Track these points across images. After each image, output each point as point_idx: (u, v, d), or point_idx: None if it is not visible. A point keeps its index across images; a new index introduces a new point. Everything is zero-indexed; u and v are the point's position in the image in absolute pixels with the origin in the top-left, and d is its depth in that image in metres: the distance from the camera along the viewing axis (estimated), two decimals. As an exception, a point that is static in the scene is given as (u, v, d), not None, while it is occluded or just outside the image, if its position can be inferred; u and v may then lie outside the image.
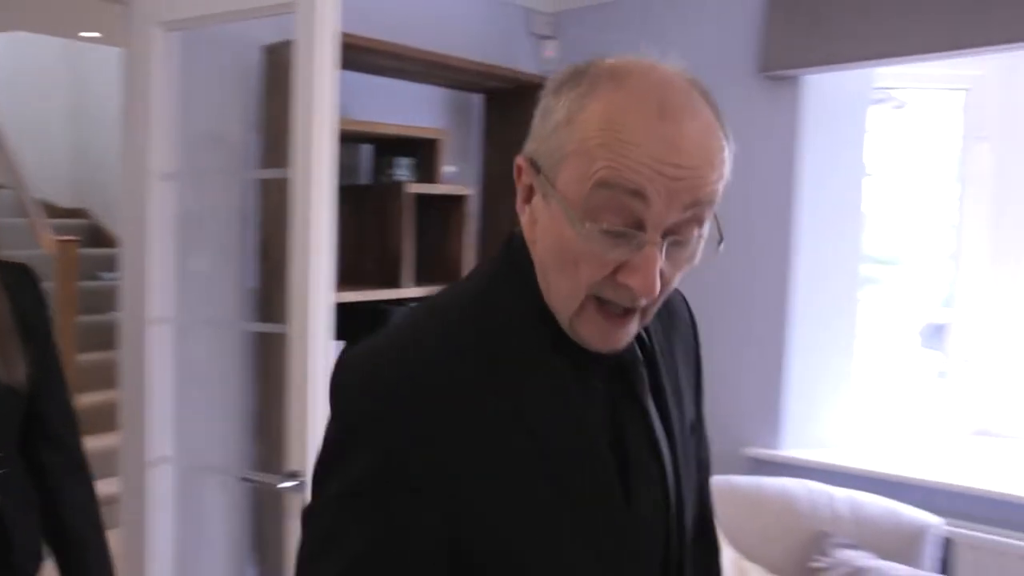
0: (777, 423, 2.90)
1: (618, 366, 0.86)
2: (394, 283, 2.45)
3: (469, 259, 2.70)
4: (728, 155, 0.81)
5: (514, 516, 0.78)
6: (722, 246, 0.83)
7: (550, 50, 3.44)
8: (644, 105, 0.77)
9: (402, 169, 2.63)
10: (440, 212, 2.70)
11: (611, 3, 3.25)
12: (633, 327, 0.82)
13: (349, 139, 2.54)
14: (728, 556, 2.29)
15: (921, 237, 3.21)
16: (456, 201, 2.68)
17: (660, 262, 0.76)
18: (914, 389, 3.17)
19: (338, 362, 0.83)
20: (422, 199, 2.57)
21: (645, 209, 0.75)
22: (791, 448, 2.87)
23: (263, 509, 2.46)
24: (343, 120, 2.09)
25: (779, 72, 2.77)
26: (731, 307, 2.97)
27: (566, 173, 0.78)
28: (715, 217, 0.82)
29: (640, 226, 0.76)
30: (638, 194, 0.75)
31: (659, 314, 0.89)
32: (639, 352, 0.89)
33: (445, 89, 3.06)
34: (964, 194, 2.99)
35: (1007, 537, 2.35)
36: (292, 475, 1.89)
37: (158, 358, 2.17)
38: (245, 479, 2.35)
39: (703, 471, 1.03)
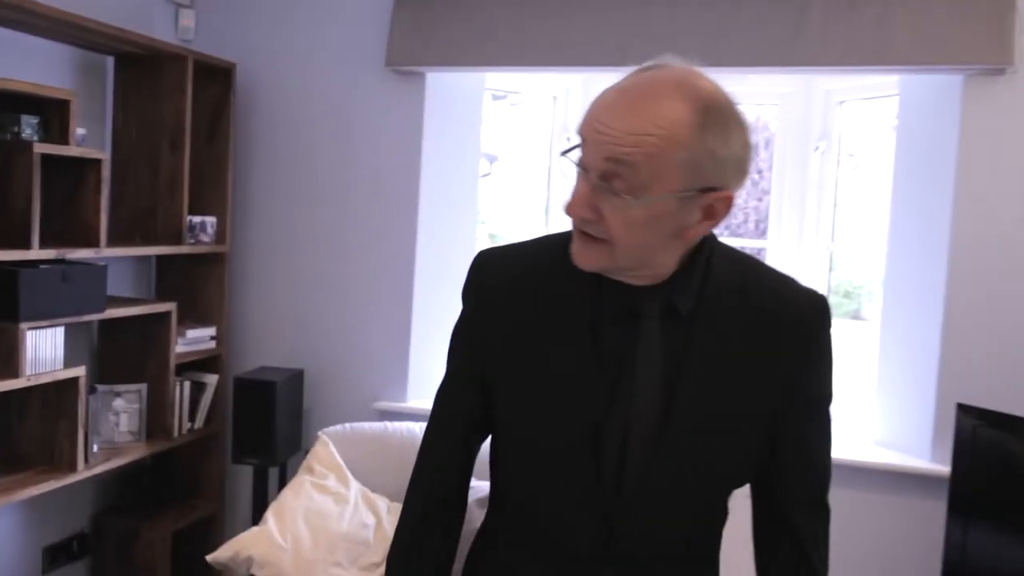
0: (404, 379, 3.28)
1: (630, 303, 1.10)
2: (22, 244, 2.38)
3: (103, 222, 2.67)
4: (661, 142, 0.95)
5: (514, 355, 1.15)
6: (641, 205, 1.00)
7: (187, 19, 3.45)
8: (617, 83, 1.02)
9: (29, 128, 2.53)
10: (71, 175, 2.64)
11: (252, -18, 3.37)
12: (588, 249, 1.05)
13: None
14: (355, 489, 2.60)
15: (533, 219, 3.76)
16: (89, 164, 2.64)
17: (587, 194, 1.01)
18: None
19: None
20: (51, 160, 2.51)
21: (584, 152, 1.02)
22: (414, 400, 3.27)
23: None
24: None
25: (404, 68, 3.12)
26: (364, 280, 3.29)
27: None
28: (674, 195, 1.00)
29: (584, 166, 1.02)
30: (582, 140, 1.02)
31: (740, 310, 1.11)
32: (660, 305, 1.10)
33: (75, 48, 2.96)
34: (552, 183, 3.59)
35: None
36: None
37: None
38: None
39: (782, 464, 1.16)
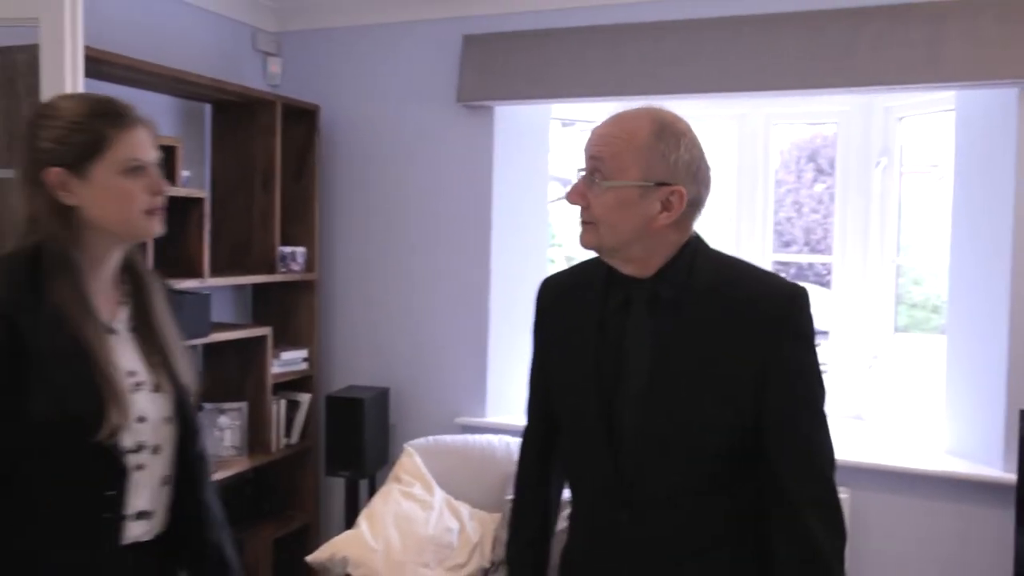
0: (483, 395, 3.46)
1: (626, 294, 1.40)
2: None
3: (206, 255, 2.94)
4: (623, 143, 1.34)
5: (553, 350, 1.49)
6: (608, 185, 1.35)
7: (274, 66, 3.75)
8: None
9: (140, 173, 2.82)
10: (178, 213, 2.92)
11: (332, 28, 3.65)
12: (584, 232, 1.38)
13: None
14: (439, 496, 2.79)
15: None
16: (193, 203, 2.93)
17: (579, 186, 1.36)
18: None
19: None
20: (161, 201, 2.79)
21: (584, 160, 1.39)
22: (493, 415, 3.45)
23: None
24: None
25: (474, 103, 3.34)
26: (443, 303, 3.50)
27: None
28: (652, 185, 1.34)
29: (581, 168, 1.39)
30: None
31: (720, 297, 1.36)
32: (647, 293, 1.38)
33: (177, 99, 3.27)
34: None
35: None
36: None
37: None
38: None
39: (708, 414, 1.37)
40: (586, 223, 1.38)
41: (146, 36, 3.04)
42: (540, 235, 3.60)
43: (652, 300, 1.38)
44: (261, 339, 3.28)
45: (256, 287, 3.61)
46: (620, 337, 1.40)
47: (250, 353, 3.31)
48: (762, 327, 1.34)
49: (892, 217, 3.28)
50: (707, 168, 1.39)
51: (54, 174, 1.31)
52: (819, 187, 4.41)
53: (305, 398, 3.55)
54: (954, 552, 2.83)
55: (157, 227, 1.40)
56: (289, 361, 3.46)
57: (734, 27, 2.96)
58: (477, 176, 3.43)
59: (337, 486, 3.62)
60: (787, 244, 4.29)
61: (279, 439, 3.40)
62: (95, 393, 1.30)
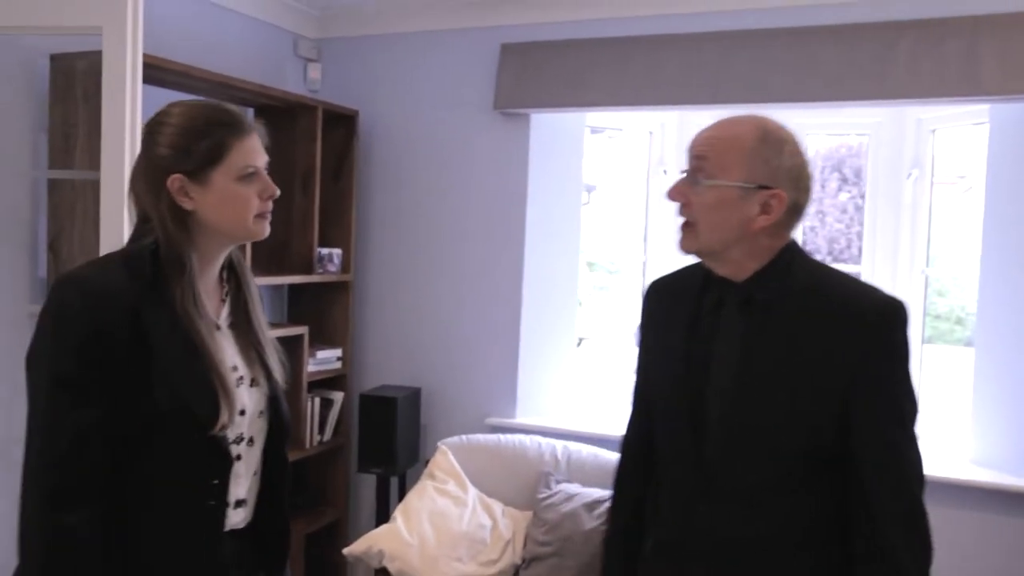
0: (513, 397, 3.53)
1: (720, 295, 1.45)
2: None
3: (247, 254, 3.03)
4: (728, 144, 1.38)
5: (653, 345, 1.57)
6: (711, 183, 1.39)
7: (315, 72, 3.84)
8: None
9: (188, 174, 2.92)
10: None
11: (371, 36, 3.73)
12: (683, 234, 1.43)
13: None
14: (472, 493, 2.85)
15: (631, 247, 3.98)
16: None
17: (680, 184, 1.42)
18: (620, 368, 3.94)
19: None
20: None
21: (686, 159, 1.44)
22: (522, 416, 3.51)
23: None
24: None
25: (510, 110, 3.41)
26: (475, 305, 3.57)
27: None
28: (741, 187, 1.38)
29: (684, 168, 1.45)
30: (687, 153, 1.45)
31: (814, 304, 1.38)
32: (738, 296, 1.43)
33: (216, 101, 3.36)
34: (649, 213, 3.79)
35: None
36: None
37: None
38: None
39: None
40: (685, 225, 1.43)
41: (193, 42, 3.13)
42: (572, 242, 3.66)
43: (744, 302, 1.42)
44: (298, 338, 3.36)
45: (293, 287, 3.70)
46: (711, 337, 1.44)
47: (287, 351, 3.35)
48: (855, 338, 1.34)
49: (922, 228, 3.31)
50: (809, 176, 1.42)
51: (175, 180, 1.36)
52: (844, 196, 4.44)
53: (338, 396, 3.63)
54: (978, 561, 2.86)
55: (266, 230, 1.45)
56: (324, 360, 3.54)
57: (770, 40, 3.01)
58: (512, 182, 3.49)
59: (367, 483, 3.70)
60: (810, 254, 4.32)
61: (312, 436, 3.48)
62: (211, 389, 1.35)
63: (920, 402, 1.42)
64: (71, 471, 1.27)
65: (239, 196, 1.39)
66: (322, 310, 3.68)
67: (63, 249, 2.65)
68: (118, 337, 1.29)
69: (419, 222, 3.68)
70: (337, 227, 3.64)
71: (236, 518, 1.46)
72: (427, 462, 3.06)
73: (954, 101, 2.87)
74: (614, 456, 2.99)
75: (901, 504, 1.34)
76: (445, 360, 3.63)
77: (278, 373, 1.53)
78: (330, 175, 3.62)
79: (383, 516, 3.37)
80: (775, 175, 1.37)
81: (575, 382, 3.71)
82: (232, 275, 1.53)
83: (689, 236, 1.42)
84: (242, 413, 1.44)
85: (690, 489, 1.45)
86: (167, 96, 3.02)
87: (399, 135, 3.70)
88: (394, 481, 3.50)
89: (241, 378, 1.46)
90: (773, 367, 1.38)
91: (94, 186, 2.54)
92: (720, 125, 1.43)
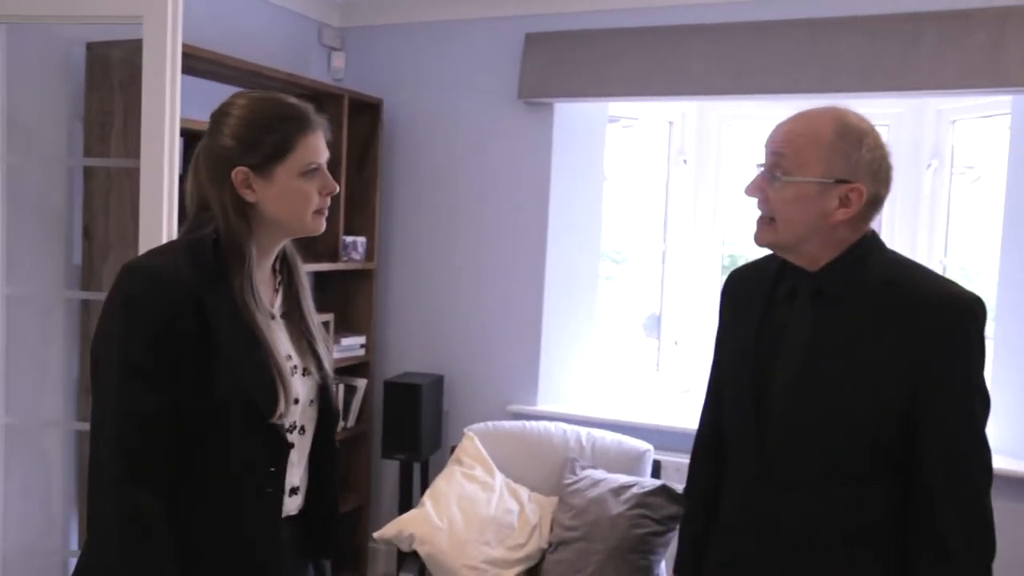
0: (535, 384, 3.57)
1: (793, 286, 1.47)
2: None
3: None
4: (807, 140, 1.38)
5: (728, 331, 1.62)
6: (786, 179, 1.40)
7: (338, 61, 3.87)
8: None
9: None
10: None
11: (394, 24, 3.75)
12: (760, 228, 1.45)
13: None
14: (499, 479, 2.90)
15: (644, 238, 4.00)
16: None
17: (759, 180, 1.43)
18: (638, 359, 3.97)
19: None
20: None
21: (763, 156, 1.45)
22: (544, 404, 3.56)
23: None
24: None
25: (534, 99, 3.43)
26: (498, 293, 3.60)
27: None
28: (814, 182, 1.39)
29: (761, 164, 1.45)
30: (765, 149, 1.45)
31: (887, 296, 1.38)
32: (810, 287, 1.45)
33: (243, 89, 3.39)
34: (669, 204, 3.81)
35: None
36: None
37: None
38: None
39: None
40: (762, 219, 1.44)
41: (221, 31, 3.16)
42: (593, 231, 3.69)
43: (816, 292, 1.43)
44: (323, 325, 3.39)
45: (318, 274, 3.74)
46: (782, 328, 1.46)
47: (312, 338, 3.42)
48: (928, 332, 1.34)
49: (941, 218, 3.34)
50: (889, 168, 1.42)
51: (239, 173, 1.38)
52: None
53: (361, 383, 3.67)
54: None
55: (322, 225, 1.46)
56: (348, 347, 3.58)
57: (795, 30, 3.03)
58: (535, 171, 3.52)
59: (389, 469, 3.74)
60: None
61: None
62: (270, 378, 1.37)
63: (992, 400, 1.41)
64: (142, 454, 1.30)
65: (300, 192, 1.40)
66: (346, 298, 3.71)
67: (97, 236, 2.68)
68: (184, 324, 1.31)
69: (442, 211, 3.71)
70: (361, 215, 3.68)
71: (291, 505, 1.48)
72: (453, 448, 3.10)
73: (979, 92, 2.89)
74: (638, 443, 3.05)
75: (966, 502, 1.35)
76: (467, 348, 3.67)
77: (328, 362, 1.55)
78: (354, 164, 3.65)
79: (406, 502, 3.41)
80: (855, 169, 1.37)
81: (596, 370, 3.75)
82: (284, 266, 1.54)
83: (767, 230, 1.44)
84: (296, 402, 1.46)
85: (752, 476, 1.48)
86: (198, 84, 3.07)
87: (422, 124, 3.73)
88: (416, 468, 3.55)
89: (295, 367, 1.47)
90: (838, 361, 1.38)
91: (129, 174, 2.58)
92: (798, 119, 1.42)
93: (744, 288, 1.59)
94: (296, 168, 1.40)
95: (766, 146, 1.44)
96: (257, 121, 1.39)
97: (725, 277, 1.70)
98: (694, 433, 1.76)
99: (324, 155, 1.44)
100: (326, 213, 1.47)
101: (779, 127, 1.44)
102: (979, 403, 1.37)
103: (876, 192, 1.40)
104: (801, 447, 1.42)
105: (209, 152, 1.42)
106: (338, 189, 1.48)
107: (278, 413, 1.38)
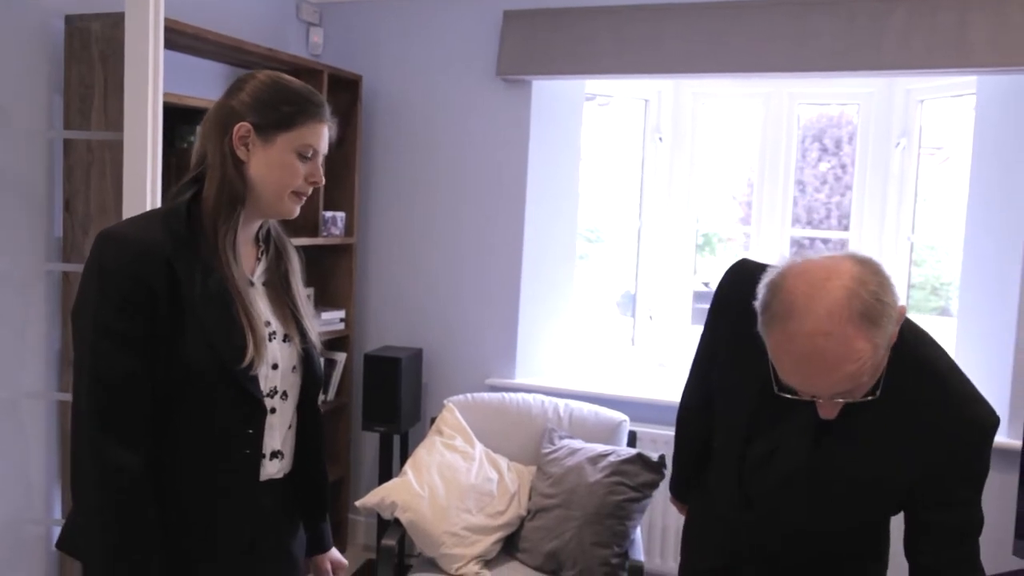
0: (512, 358, 3.63)
1: None
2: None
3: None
4: (870, 354, 1.20)
5: (727, 355, 1.53)
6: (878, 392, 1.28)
7: (316, 36, 3.87)
8: (791, 360, 1.24)
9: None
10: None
11: (372, 0, 3.76)
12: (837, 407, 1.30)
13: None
14: (479, 449, 2.96)
15: (619, 216, 4.06)
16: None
17: (830, 405, 1.27)
18: (613, 335, 4.05)
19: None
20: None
21: (806, 393, 1.28)
22: (521, 377, 3.62)
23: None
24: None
25: (512, 76, 3.47)
26: (476, 268, 3.65)
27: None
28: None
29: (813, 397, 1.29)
30: (798, 392, 1.28)
31: (904, 403, 1.31)
32: None
33: (230, 66, 3.39)
34: (644, 182, 3.87)
35: (668, 429, 3.24)
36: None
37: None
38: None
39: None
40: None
41: (199, 5, 3.16)
42: (569, 208, 3.74)
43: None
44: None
45: (297, 249, 3.75)
46: (788, 409, 1.37)
47: (293, 312, 3.45)
48: (938, 450, 1.32)
49: (908, 197, 3.43)
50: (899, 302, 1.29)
51: (242, 127, 1.42)
52: (824, 166, 4.55)
53: (341, 357, 3.71)
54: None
55: (295, 210, 1.50)
56: (328, 321, 3.62)
57: (768, 9, 3.09)
58: (513, 147, 3.57)
59: (369, 441, 3.79)
60: (816, 223, 4.44)
61: (318, 395, 3.56)
62: (240, 331, 1.41)
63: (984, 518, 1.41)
64: (119, 415, 1.33)
65: (291, 166, 1.44)
66: (326, 272, 3.75)
67: (79, 209, 2.69)
68: (156, 287, 1.34)
69: (421, 187, 3.74)
70: (340, 190, 3.70)
71: (272, 468, 1.51)
72: (432, 420, 3.16)
73: (945, 72, 2.97)
74: (615, 414, 3.13)
75: (960, 552, 1.38)
76: (446, 321, 3.72)
77: (313, 334, 1.59)
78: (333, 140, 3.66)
79: (386, 474, 3.47)
80: (893, 327, 1.25)
81: (572, 345, 3.82)
82: (270, 241, 1.59)
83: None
84: (275, 367, 1.49)
85: (736, 519, 1.55)
86: (179, 59, 3.08)
87: (401, 100, 3.75)
88: (396, 440, 3.60)
89: (274, 333, 1.51)
90: (838, 466, 1.37)
91: (110, 147, 2.59)
92: (835, 366, 1.20)
93: (748, 326, 1.34)
94: (296, 143, 1.44)
95: (817, 397, 1.28)
96: (280, 91, 1.45)
97: (726, 271, 1.58)
98: (669, 405, 1.83)
99: (324, 148, 1.49)
100: (303, 201, 1.50)
101: (817, 383, 1.24)
102: (978, 522, 1.39)
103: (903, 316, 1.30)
104: (788, 531, 1.50)
105: (221, 106, 1.46)
106: (323, 183, 1.52)
107: (248, 360, 1.40)
